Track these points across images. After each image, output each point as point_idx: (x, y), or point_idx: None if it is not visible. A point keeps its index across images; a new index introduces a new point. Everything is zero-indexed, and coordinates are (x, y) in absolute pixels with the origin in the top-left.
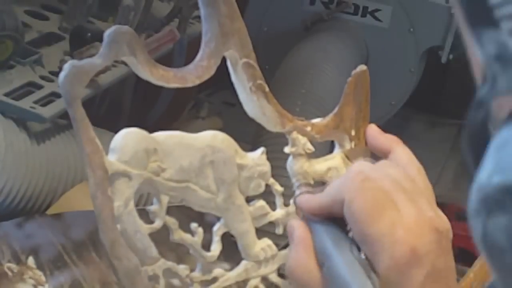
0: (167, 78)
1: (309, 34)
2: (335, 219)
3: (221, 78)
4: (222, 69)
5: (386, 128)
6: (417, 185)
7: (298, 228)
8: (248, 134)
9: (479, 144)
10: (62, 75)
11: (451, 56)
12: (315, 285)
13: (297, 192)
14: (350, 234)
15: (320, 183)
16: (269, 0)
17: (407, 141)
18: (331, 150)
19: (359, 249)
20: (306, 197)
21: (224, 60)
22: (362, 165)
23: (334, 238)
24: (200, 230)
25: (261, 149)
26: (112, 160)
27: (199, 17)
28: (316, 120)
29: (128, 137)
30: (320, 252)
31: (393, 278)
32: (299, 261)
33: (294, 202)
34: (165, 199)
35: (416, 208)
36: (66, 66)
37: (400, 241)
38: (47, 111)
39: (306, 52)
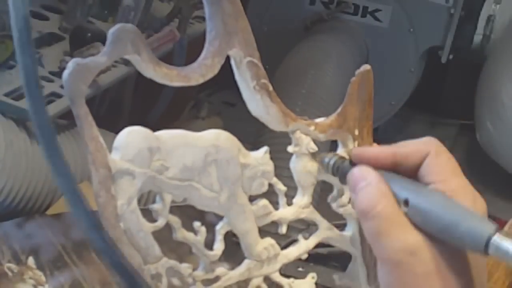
0: (170, 76)
1: (309, 34)
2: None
3: (221, 78)
4: (223, 69)
5: (386, 128)
6: None
7: (370, 171)
8: (248, 134)
9: None
10: (66, 73)
11: (451, 56)
12: (401, 219)
13: (331, 160)
14: None
15: (319, 183)
16: (269, 0)
17: None
18: (334, 150)
19: None
20: (373, 148)
21: (225, 59)
22: None
23: (409, 180)
24: (203, 229)
25: (265, 148)
26: (116, 158)
27: (199, 17)
28: (319, 120)
29: (132, 136)
30: (399, 191)
31: None
32: (386, 193)
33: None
34: (168, 198)
35: None
36: (70, 64)
37: (478, 195)
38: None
39: (306, 52)
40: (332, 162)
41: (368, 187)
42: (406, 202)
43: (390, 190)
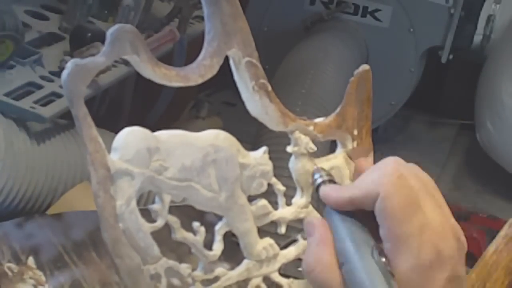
0: (169, 77)
1: (309, 34)
2: (354, 214)
3: (221, 78)
4: (223, 69)
5: (386, 128)
6: (440, 194)
7: (319, 225)
8: (248, 134)
9: None
10: (65, 73)
11: (451, 56)
12: (335, 283)
13: (319, 180)
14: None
15: None
16: (269, 0)
17: (407, 141)
18: (333, 150)
19: (378, 251)
20: (334, 188)
21: (225, 59)
22: (397, 161)
23: (355, 237)
24: (202, 229)
25: (263, 148)
26: (115, 159)
27: (199, 17)
28: (318, 120)
29: (131, 136)
30: (340, 252)
31: (415, 279)
32: (321, 259)
33: (316, 192)
34: (167, 198)
35: (441, 213)
36: (69, 65)
37: (427, 243)
38: (47, 111)
39: (306, 52)
40: (319, 181)
41: (310, 247)
42: (342, 264)
43: (331, 250)
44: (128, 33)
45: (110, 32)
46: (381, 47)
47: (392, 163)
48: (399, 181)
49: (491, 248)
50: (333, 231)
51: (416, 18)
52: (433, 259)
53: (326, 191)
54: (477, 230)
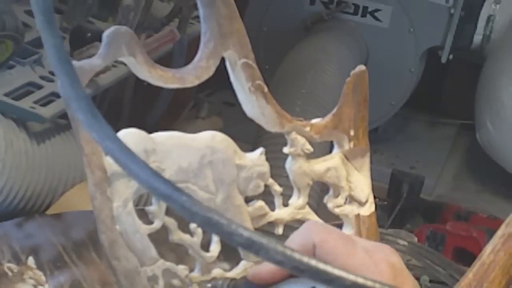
0: (165, 78)
1: (309, 34)
2: None
3: (221, 78)
4: (222, 69)
5: (386, 128)
6: None
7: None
8: (248, 134)
9: None
10: None
11: (451, 56)
12: None
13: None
14: None
15: (319, 184)
16: (269, 0)
17: (407, 141)
18: (330, 151)
19: None
20: (262, 265)
21: (223, 60)
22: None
23: None
24: (199, 230)
25: (260, 150)
26: (111, 160)
27: (199, 17)
28: (315, 121)
29: (127, 138)
30: None
31: None
32: None
33: None
34: None
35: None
36: None
37: (380, 260)
38: (47, 111)
39: (306, 52)
40: (225, 286)
41: None
42: None
43: None
44: (124, 35)
45: (106, 34)
46: (381, 47)
47: (310, 221)
48: (326, 228)
49: (489, 247)
50: None
51: (416, 18)
52: (392, 271)
53: (257, 269)
54: (477, 230)
